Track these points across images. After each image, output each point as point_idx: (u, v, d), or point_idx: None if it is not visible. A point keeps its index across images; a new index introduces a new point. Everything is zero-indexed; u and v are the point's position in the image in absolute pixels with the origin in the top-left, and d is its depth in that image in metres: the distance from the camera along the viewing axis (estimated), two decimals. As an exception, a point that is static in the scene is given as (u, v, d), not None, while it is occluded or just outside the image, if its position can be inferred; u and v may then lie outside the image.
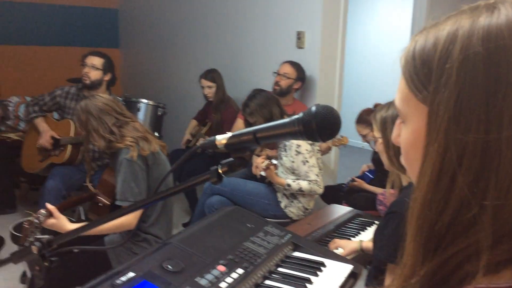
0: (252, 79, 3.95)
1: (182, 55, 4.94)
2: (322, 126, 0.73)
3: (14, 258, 1.02)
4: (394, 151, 1.46)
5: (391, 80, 4.49)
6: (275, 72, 3.43)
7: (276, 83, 3.39)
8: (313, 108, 0.74)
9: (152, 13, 5.39)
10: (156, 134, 3.59)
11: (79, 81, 4.63)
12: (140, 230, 2.20)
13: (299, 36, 3.55)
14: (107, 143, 2.16)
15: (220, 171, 0.85)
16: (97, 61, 3.32)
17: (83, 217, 3.34)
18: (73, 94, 3.39)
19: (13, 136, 3.95)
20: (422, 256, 0.49)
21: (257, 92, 2.86)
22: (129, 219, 2.05)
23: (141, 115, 3.75)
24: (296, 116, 0.77)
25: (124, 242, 2.14)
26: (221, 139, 0.85)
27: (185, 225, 3.75)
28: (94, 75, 3.31)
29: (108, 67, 3.38)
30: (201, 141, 3.73)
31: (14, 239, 2.55)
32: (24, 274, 2.83)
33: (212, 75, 3.78)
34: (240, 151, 0.84)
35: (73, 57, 5.81)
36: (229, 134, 0.85)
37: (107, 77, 3.39)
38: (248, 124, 2.86)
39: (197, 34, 4.66)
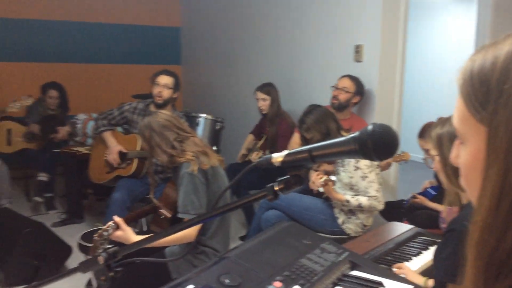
0: (308, 94, 3.95)
1: (241, 70, 5.04)
2: (378, 146, 0.72)
3: (82, 267, 1.08)
4: (452, 169, 1.41)
5: (454, 93, 4.32)
6: (333, 86, 3.41)
7: (335, 97, 3.37)
8: (370, 127, 0.73)
9: (212, 30, 5.56)
10: (214, 148, 3.67)
11: (143, 97, 4.85)
12: (199, 243, 2.25)
13: (357, 50, 3.52)
14: (169, 158, 2.24)
15: (276, 188, 0.86)
16: (169, 80, 3.45)
17: (145, 229, 3.46)
18: (140, 109, 3.54)
19: (82, 149, 4.18)
20: (483, 283, 0.47)
21: (313, 108, 2.86)
22: (189, 232, 2.11)
23: (200, 129, 3.86)
24: (352, 135, 0.77)
25: (185, 254, 2.19)
26: (277, 157, 0.86)
27: (242, 238, 3.78)
28: (166, 94, 3.43)
29: (177, 85, 3.52)
30: (255, 155, 3.76)
31: (82, 248, 2.68)
32: (89, 283, 2.98)
33: (267, 88, 3.82)
34: (296, 169, 0.85)
35: (137, 75, 6.11)
36: (285, 152, 0.86)
37: (176, 95, 3.52)
38: (304, 139, 2.85)
39: (255, 49, 4.74)
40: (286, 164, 0.84)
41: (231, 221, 2.47)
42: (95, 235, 2.05)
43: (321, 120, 2.76)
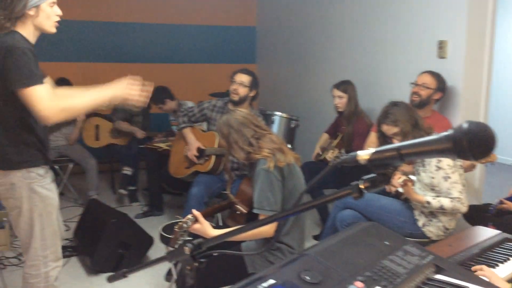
0: (388, 91, 3.84)
1: (317, 68, 5.00)
2: (474, 145, 0.69)
3: (169, 257, 1.14)
4: None
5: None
6: (412, 83, 3.29)
7: (415, 94, 3.24)
8: (465, 125, 0.70)
9: (287, 29, 5.57)
10: (289, 146, 3.68)
11: (221, 95, 4.97)
12: (274, 239, 2.27)
13: (441, 46, 3.37)
14: (246, 155, 2.28)
15: (361, 186, 0.85)
16: (245, 78, 3.52)
17: (220, 223, 3.56)
18: (219, 107, 3.64)
19: (163, 145, 4.38)
20: None
21: (396, 102, 2.77)
22: (267, 228, 2.14)
23: (275, 127, 3.87)
24: (444, 133, 0.74)
25: (264, 250, 2.22)
26: (363, 154, 0.85)
27: (315, 237, 3.76)
28: (242, 91, 3.51)
29: (254, 84, 3.57)
30: (331, 153, 3.71)
31: (163, 239, 2.81)
32: (168, 273, 3.11)
33: (344, 85, 3.76)
34: (383, 167, 0.84)
35: (215, 73, 6.27)
36: (371, 149, 0.85)
37: (252, 94, 3.58)
38: (383, 137, 2.78)
39: (332, 46, 4.69)
40: (372, 162, 0.83)
41: (306, 218, 2.46)
42: (175, 227, 2.14)
43: (409, 112, 2.68)
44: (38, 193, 2.14)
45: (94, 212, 3.55)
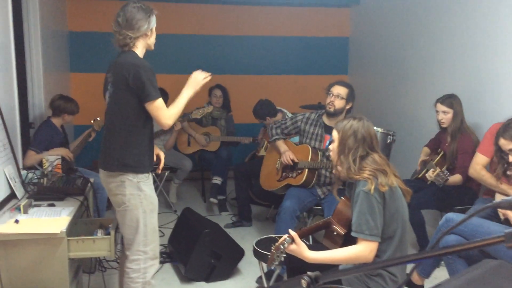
0: (499, 107, 3.53)
1: (414, 80, 4.77)
2: None
3: (283, 286, 1.10)
4: None
5: None
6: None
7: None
8: None
9: (382, 39, 5.38)
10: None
11: (311, 107, 4.91)
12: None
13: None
14: (347, 170, 2.18)
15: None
16: (342, 90, 3.45)
17: (310, 242, 3.48)
18: (313, 120, 3.59)
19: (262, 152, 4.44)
20: None
21: None
22: (366, 253, 2.04)
23: (370, 142, 3.73)
24: None
25: (363, 273, 2.12)
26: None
27: (412, 260, 3.55)
28: (338, 104, 3.44)
29: (351, 97, 3.50)
30: (432, 172, 3.48)
31: (256, 254, 2.80)
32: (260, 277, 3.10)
33: (450, 100, 3.53)
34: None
35: (305, 85, 6.23)
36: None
37: (348, 106, 3.50)
38: (499, 151, 2.56)
39: (432, 58, 4.44)
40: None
41: (408, 245, 2.32)
42: (272, 247, 2.11)
43: None
44: (144, 191, 2.37)
45: (188, 221, 3.64)
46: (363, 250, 2.06)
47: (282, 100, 6.07)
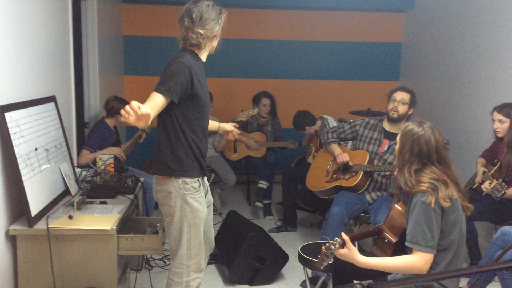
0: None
1: (469, 87, 4.58)
2: None
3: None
4: None
5: None
6: None
7: None
8: None
9: (436, 45, 5.22)
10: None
11: (361, 113, 4.83)
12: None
13: None
14: (403, 182, 2.10)
15: None
16: (405, 96, 3.43)
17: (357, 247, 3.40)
18: (371, 125, 3.57)
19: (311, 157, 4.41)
20: None
21: None
22: (420, 264, 1.98)
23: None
24: None
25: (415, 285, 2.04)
26: None
27: (464, 274, 3.40)
28: (402, 109, 3.41)
29: (413, 102, 3.47)
30: (488, 184, 3.33)
31: (301, 259, 2.76)
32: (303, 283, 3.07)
33: (507, 109, 3.37)
34: None
35: (355, 90, 6.13)
36: None
37: (410, 112, 3.46)
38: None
39: (490, 64, 4.25)
40: None
41: (462, 258, 2.21)
42: (323, 247, 2.06)
43: None
44: (190, 205, 2.26)
45: (233, 223, 3.66)
46: (418, 261, 1.99)
47: (332, 105, 6.03)
